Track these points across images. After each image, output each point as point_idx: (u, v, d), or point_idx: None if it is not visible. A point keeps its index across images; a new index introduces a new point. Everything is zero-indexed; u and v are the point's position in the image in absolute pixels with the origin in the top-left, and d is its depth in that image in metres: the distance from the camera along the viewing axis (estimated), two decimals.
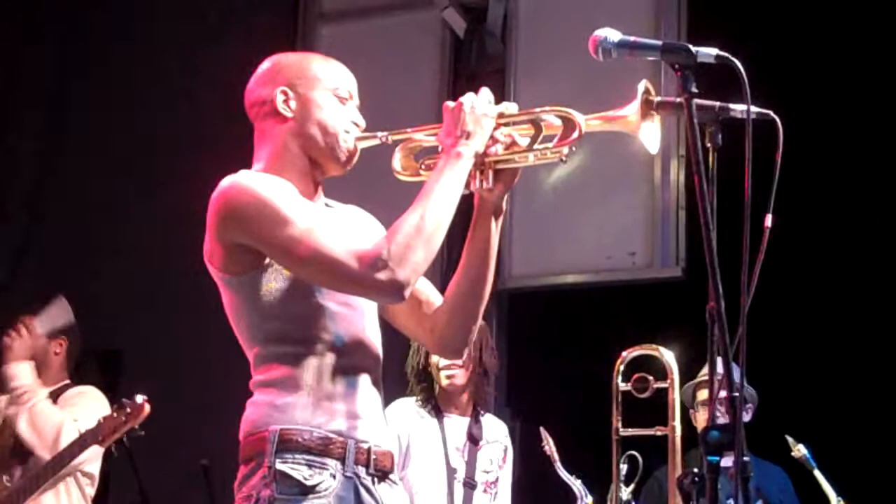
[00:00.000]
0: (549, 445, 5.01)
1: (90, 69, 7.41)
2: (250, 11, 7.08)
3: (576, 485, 4.89)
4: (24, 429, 5.09)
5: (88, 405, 5.31)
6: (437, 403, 4.95)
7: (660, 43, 2.55)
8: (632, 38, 2.59)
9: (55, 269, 6.98)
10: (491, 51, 6.96)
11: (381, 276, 2.67)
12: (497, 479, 5.00)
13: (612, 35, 2.60)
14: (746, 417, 2.36)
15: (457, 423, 4.94)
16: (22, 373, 5.21)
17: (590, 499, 4.88)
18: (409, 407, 4.93)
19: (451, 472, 4.85)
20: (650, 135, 2.77)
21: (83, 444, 4.97)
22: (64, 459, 5.00)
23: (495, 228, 2.96)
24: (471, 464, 4.90)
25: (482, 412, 5.06)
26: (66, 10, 7.47)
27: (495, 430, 5.08)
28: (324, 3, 7.34)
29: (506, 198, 2.97)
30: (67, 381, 5.47)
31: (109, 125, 7.20)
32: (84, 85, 7.42)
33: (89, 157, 7.23)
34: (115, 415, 4.93)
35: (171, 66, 7.15)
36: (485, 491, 4.93)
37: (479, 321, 3.03)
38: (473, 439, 4.95)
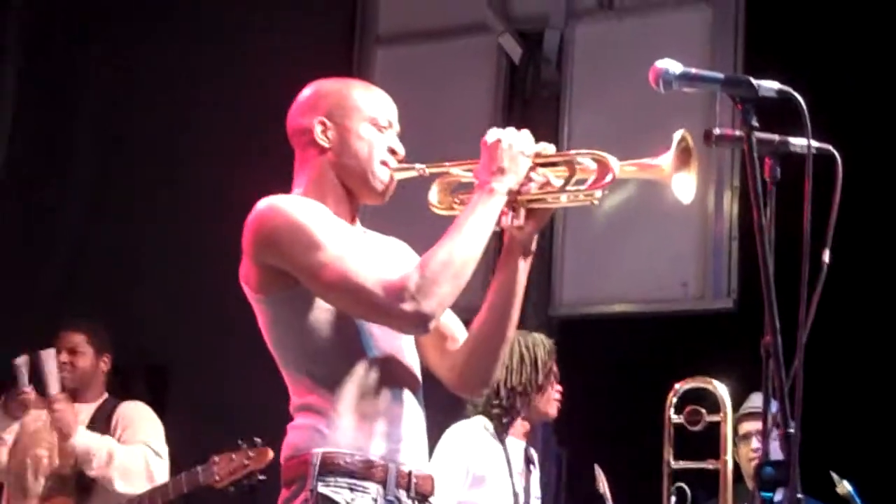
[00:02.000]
0: (603, 484, 4.97)
1: (143, 84, 7.48)
2: (307, 32, 7.12)
3: None
4: (121, 487, 5.14)
5: (156, 429, 5.37)
6: (504, 428, 4.92)
7: (721, 76, 2.53)
8: (693, 71, 2.57)
9: (102, 286, 7.03)
10: (546, 77, 6.97)
11: (406, 306, 2.67)
12: None
13: (674, 67, 2.58)
14: (779, 454, 2.34)
15: (516, 447, 4.92)
16: (89, 440, 5.22)
17: None
18: (473, 431, 4.90)
19: (515, 496, 4.82)
20: (683, 186, 2.79)
21: (193, 483, 4.99)
22: (168, 495, 5.03)
23: (523, 268, 2.94)
24: (527, 488, 4.88)
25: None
26: (120, 19, 7.56)
27: (536, 457, 5.07)
28: (380, 26, 7.39)
29: (535, 240, 2.96)
30: (107, 396, 5.52)
31: (158, 143, 7.26)
32: (134, 103, 7.49)
33: (136, 177, 7.29)
34: (233, 456, 4.95)
35: (226, 84, 7.19)
36: None
37: (502, 360, 3.01)
38: (529, 463, 4.94)
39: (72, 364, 5.44)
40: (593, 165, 2.86)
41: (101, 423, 5.41)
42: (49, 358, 5.31)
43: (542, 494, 5.06)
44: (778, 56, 5.79)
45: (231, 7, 7.43)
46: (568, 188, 2.86)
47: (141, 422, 5.41)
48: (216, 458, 4.96)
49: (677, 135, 2.74)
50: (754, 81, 2.46)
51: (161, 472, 5.23)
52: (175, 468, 5.31)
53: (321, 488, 2.71)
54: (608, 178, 2.83)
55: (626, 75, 6.18)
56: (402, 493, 2.78)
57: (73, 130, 7.58)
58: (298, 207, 2.79)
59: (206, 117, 7.15)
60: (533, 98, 6.91)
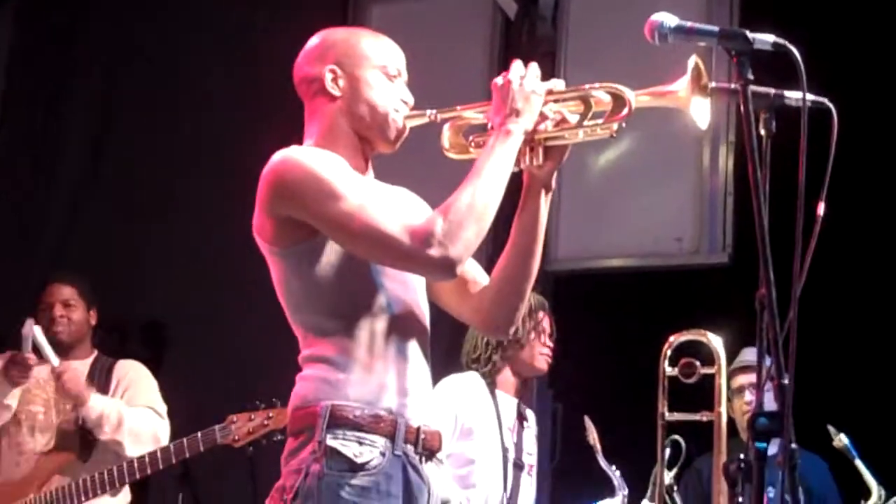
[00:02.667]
0: (593, 435, 5.01)
1: (142, 40, 7.46)
2: None
3: (615, 476, 4.90)
4: (131, 452, 5.13)
5: (155, 390, 5.38)
6: (495, 383, 4.93)
7: (717, 29, 2.54)
8: (688, 24, 2.58)
9: (100, 242, 7.02)
10: (542, 34, 6.95)
11: (434, 252, 2.68)
12: (533, 464, 5.02)
13: (669, 20, 2.59)
14: (773, 406, 2.36)
15: (508, 403, 4.94)
16: (102, 405, 5.21)
17: (626, 490, 4.88)
18: (465, 384, 4.92)
19: (505, 451, 4.85)
20: (700, 110, 2.76)
21: (210, 442, 4.99)
22: (184, 453, 5.02)
23: (544, 205, 2.96)
24: (519, 445, 4.91)
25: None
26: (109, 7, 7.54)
27: (531, 415, 5.09)
28: None
29: (554, 176, 2.97)
30: (97, 353, 5.50)
31: (160, 96, 7.24)
32: (135, 55, 7.47)
33: (140, 127, 7.28)
34: (252, 416, 4.95)
35: (219, 46, 7.17)
36: (528, 473, 4.95)
37: (527, 300, 3.04)
38: (522, 420, 4.96)
39: (68, 318, 5.41)
40: (607, 98, 2.85)
41: (100, 381, 5.37)
42: (37, 330, 5.24)
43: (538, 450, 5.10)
44: (773, 10, 5.78)
45: None
46: (585, 123, 2.86)
47: (141, 382, 5.41)
48: (234, 418, 4.95)
49: (691, 61, 2.73)
50: (750, 34, 2.47)
51: (165, 435, 5.24)
52: (172, 425, 5.33)
53: (330, 440, 2.73)
54: (624, 109, 2.82)
55: (621, 32, 6.17)
56: (410, 448, 2.81)
57: (62, 120, 7.55)
58: (315, 158, 2.80)
59: (200, 82, 7.13)
60: (528, 55, 6.85)
